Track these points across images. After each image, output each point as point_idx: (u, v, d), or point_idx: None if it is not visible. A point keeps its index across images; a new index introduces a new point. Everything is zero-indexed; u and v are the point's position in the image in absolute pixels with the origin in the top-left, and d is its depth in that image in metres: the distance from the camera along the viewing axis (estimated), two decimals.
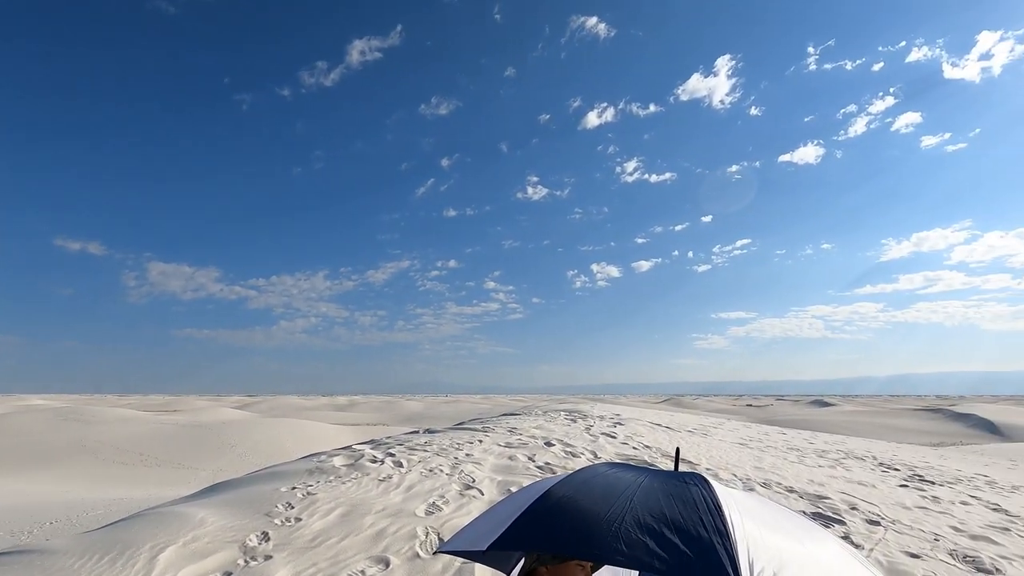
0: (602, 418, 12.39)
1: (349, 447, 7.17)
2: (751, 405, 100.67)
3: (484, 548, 1.99)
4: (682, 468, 7.41)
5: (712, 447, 9.74)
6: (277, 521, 4.16)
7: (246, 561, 3.49)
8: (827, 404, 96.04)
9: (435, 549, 2.16)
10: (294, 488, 4.99)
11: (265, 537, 3.87)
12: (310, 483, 5.19)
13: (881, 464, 10.26)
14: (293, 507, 4.46)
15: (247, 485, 5.22)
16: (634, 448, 8.23)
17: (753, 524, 1.86)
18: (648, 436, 9.93)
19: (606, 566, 2.39)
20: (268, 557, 3.55)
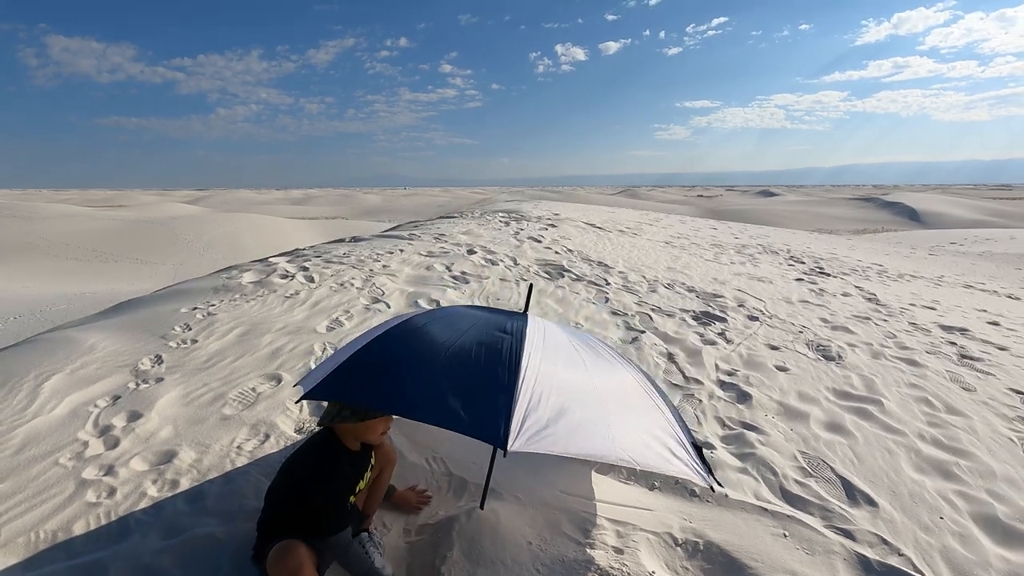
0: (539, 219, 12.57)
1: (265, 259, 7.11)
2: (702, 196, 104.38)
3: (298, 400, 2.04)
4: (598, 272, 7.67)
5: (636, 247, 10.18)
6: (172, 344, 4.23)
7: (137, 384, 3.60)
8: (772, 194, 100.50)
9: (297, 398, 2.26)
10: (195, 309, 5.01)
11: (158, 360, 3.96)
12: (212, 302, 5.20)
13: (791, 257, 11.06)
14: (191, 328, 4.52)
15: (148, 306, 5.20)
16: (556, 253, 8.50)
17: (546, 372, 1.93)
18: (576, 239, 10.23)
19: None
20: (160, 379, 3.67)
